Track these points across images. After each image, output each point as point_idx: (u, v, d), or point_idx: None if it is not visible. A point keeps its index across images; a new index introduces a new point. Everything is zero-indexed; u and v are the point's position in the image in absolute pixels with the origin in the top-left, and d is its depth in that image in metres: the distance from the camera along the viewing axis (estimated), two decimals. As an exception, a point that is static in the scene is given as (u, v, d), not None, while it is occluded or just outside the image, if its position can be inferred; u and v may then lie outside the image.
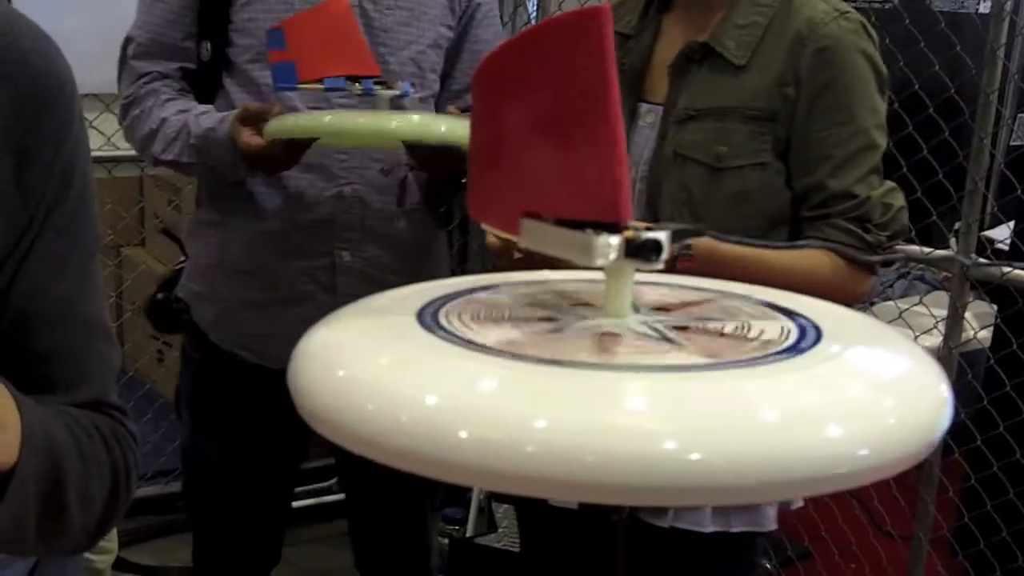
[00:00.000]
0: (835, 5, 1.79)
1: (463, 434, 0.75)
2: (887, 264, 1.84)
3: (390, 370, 0.84)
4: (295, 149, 1.94)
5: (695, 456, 0.73)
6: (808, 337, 0.89)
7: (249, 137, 1.93)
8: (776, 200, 1.78)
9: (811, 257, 1.75)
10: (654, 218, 1.77)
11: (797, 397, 0.79)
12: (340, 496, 3.21)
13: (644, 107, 1.85)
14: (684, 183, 1.77)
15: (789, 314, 0.97)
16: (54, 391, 1.07)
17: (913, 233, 2.90)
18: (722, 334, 0.91)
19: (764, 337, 0.90)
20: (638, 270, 0.91)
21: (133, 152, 2.25)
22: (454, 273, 2.98)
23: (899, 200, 1.80)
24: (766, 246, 1.74)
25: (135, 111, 2.10)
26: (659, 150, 1.80)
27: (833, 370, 0.83)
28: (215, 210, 2.19)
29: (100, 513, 1.07)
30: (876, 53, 1.78)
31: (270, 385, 1.98)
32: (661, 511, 1.79)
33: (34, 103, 1.05)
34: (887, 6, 3.55)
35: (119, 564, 3.10)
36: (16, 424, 0.92)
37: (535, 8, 3.78)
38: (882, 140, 1.80)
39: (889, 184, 1.80)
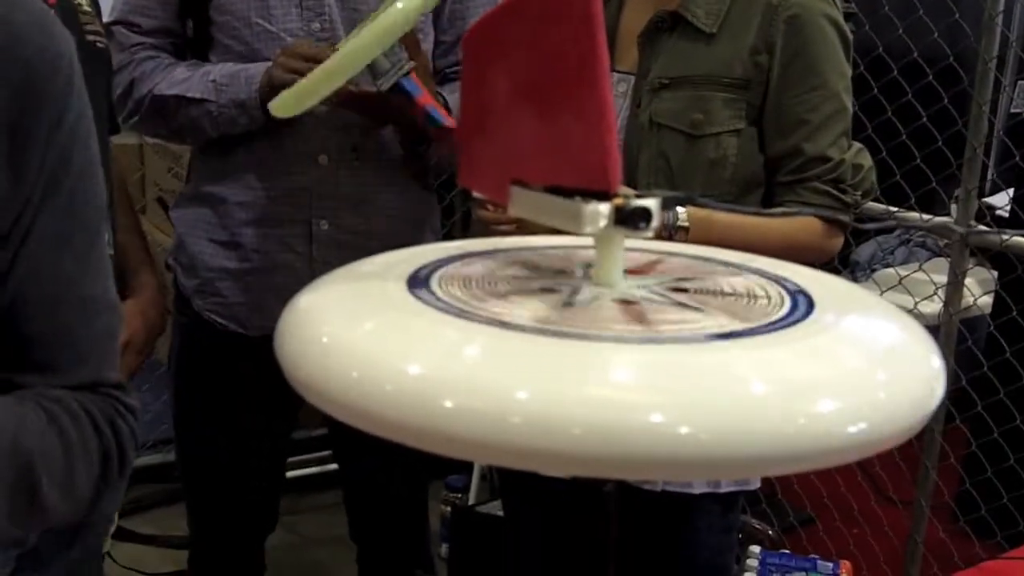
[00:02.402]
0: None
1: (448, 404, 0.74)
2: (886, 231, 1.87)
3: (376, 337, 0.82)
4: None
5: (684, 429, 0.72)
6: (800, 308, 0.88)
7: (283, 72, 1.92)
8: (750, 165, 1.82)
9: (801, 220, 1.80)
10: (630, 185, 1.78)
11: (788, 370, 0.77)
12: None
13: (615, 76, 1.87)
14: (662, 150, 1.81)
15: (780, 282, 0.96)
16: (50, 373, 1.06)
17: (913, 200, 2.90)
18: (723, 294, 0.90)
19: (756, 306, 0.89)
20: (628, 237, 0.90)
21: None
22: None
23: (867, 160, 1.86)
24: (758, 213, 1.78)
25: (132, 74, 2.09)
26: (634, 118, 1.83)
27: (825, 343, 0.82)
28: (198, 181, 2.20)
29: (89, 494, 1.07)
30: (841, 17, 1.82)
31: (251, 354, 2.02)
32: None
33: (29, 81, 1.02)
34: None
35: (119, 533, 3.10)
36: None
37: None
38: (849, 102, 1.85)
39: (857, 145, 1.86)
